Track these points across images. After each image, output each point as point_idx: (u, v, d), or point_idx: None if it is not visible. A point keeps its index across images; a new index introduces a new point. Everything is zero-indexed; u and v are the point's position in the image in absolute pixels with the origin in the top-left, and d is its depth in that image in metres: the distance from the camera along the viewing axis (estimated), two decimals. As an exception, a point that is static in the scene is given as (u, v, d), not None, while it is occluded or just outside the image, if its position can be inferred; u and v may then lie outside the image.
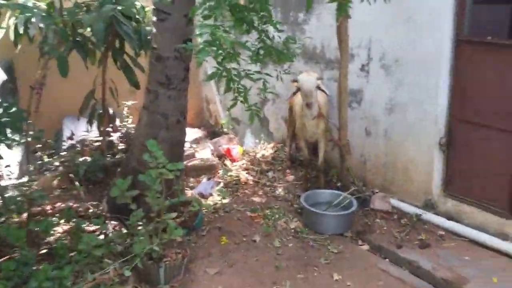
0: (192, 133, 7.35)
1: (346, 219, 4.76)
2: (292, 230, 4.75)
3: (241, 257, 4.27)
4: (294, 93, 5.02)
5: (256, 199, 5.38)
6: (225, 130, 7.44)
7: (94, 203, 5.04)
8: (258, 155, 6.32)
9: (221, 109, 7.66)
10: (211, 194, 5.44)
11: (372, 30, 5.03)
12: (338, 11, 3.80)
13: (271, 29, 4.08)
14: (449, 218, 4.72)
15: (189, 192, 5.42)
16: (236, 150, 6.48)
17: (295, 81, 4.94)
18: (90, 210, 4.93)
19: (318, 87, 4.87)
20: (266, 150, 6.44)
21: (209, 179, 5.86)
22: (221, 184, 5.64)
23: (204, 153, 6.73)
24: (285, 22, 6.14)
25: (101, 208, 4.91)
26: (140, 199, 4.10)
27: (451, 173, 4.77)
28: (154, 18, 4.42)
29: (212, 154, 6.74)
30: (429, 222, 4.79)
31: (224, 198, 4.97)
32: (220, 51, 3.71)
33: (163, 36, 4.38)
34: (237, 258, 4.25)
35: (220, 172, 5.97)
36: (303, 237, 4.63)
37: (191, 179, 5.85)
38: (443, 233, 4.63)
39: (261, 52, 4.10)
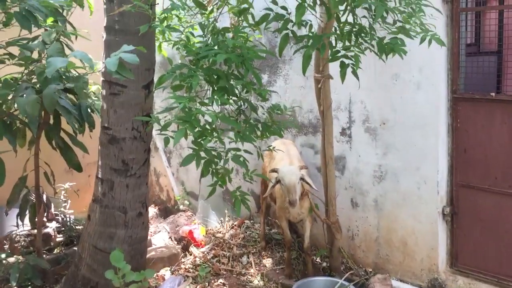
0: (141, 213, 6.43)
1: (349, 313, 4.01)
2: (287, 335, 3.93)
3: None
4: (273, 186, 4.29)
5: (234, 294, 4.53)
6: (180, 207, 6.56)
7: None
8: (226, 236, 5.49)
9: (174, 182, 6.80)
10: (179, 294, 4.52)
11: (352, 89, 4.48)
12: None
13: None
14: (463, 298, 4.11)
15: (151, 294, 4.47)
16: (198, 231, 5.61)
17: (275, 171, 4.24)
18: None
19: (302, 179, 4.19)
20: (234, 229, 5.62)
21: (172, 272, 4.93)
22: (190, 280, 4.73)
23: (160, 238, 5.80)
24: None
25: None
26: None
27: (459, 246, 4.20)
28: (104, 92, 3.62)
29: (170, 237, 5.82)
30: (441, 306, 4.15)
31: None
32: (197, 128, 3.00)
33: (117, 113, 3.58)
34: None
35: (185, 263, 5.06)
36: None
37: (151, 275, 4.88)
38: (460, 318, 4.01)
39: (246, 126, 3.42)
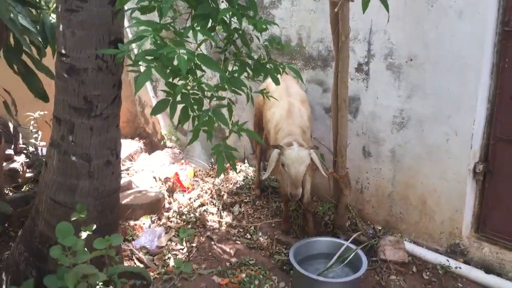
0: (125, 146, 5.71)
1: (355, 283, 3.43)
2: (282, 305, 3.37)
3: None
4: (272, 168, 3.54)
5: (223, 250, 3.94)
6: (167, 142, 5.86)
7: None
8: (216, 181, 4.83)
9: (160, 114, 6.05)
10: (160, 249, 3.92)
11: (374, 16, 3.65)
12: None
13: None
14: (487, 269, 3.53)
15: (126, 249, 3.87)
16: (186, 173, 4.96)
17: (278, 148, 3.48)
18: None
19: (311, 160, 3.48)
20: (226, 173, 4.96)
21: (153, 221, 4.32)
22: (172, 232, 4.13)
23: (143, 178, 5.15)
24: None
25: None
26: None
27: (489, 210, 3.57)
28: (60, 8, 2.78)
29: (154, 177, 5.17)
30: (461, 276, 3.58)
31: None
32: (169, 68, 2.26)
33: (75, 35, 2.76)
34: None
35: (169, 211, 4.44)
36: (300, 317, 3.26)
37: (130, 222, 4.27)
38: (484, 292, 3.45)
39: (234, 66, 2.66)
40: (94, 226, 2.83)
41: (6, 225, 4.07)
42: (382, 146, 3.94)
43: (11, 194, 4.60)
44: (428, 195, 3.75)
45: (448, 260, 3.64)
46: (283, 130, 3.67)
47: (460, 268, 3.57)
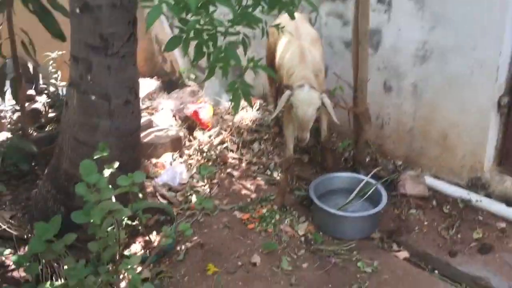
0: (144, 85, 5.71)
1: (374, 218, 3.48)
2: (302, 238, 3.44)
3: (240, 297, 2.97)
4: (280, 109, 3.45)
5: (244, 186, 4.00)
6: (186, 81, 5.83)
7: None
8: (236, 118, 4.83)
9: (178, 52, 5.99)
10: (182, 185, 4.00)
11: None
12: None
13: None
14: (509, 202, 3.52)
15: (149, 186, 3.96)
16: (205, 111, 4.95)
17: (288, 88, 3.33)
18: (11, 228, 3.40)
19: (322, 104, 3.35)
20: (245, 110, 4.94)
21: (174, 159, 4.38)
22: (194, 168, 4.19)
23: (163, 117, 5.18)
24: None
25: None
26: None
27: (512, 144, 3.52)
28: None
29: (174, 116, 5.20)
30: (482, 209, 3.58)
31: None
32: (181, 5, 2.20)
33: (87, -30, 2.70)
34: (234, 300, 2.95)
35: (189, 149, 4.48)
36: (319, 250, 3.33)
37: (152, 160, 4.35)
38: (504, 225, 3.45)
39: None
40: (117, 164, 2.88)
41: (33, 164, 4.19)
42: (403, 80, 3.86)
43: (35, 134, 4.69)
44: (450, 130, 3.70)
45: (468, 194, 3.63)
46: (297, 75, 3.53)
47: (481, 201, 3.56)
